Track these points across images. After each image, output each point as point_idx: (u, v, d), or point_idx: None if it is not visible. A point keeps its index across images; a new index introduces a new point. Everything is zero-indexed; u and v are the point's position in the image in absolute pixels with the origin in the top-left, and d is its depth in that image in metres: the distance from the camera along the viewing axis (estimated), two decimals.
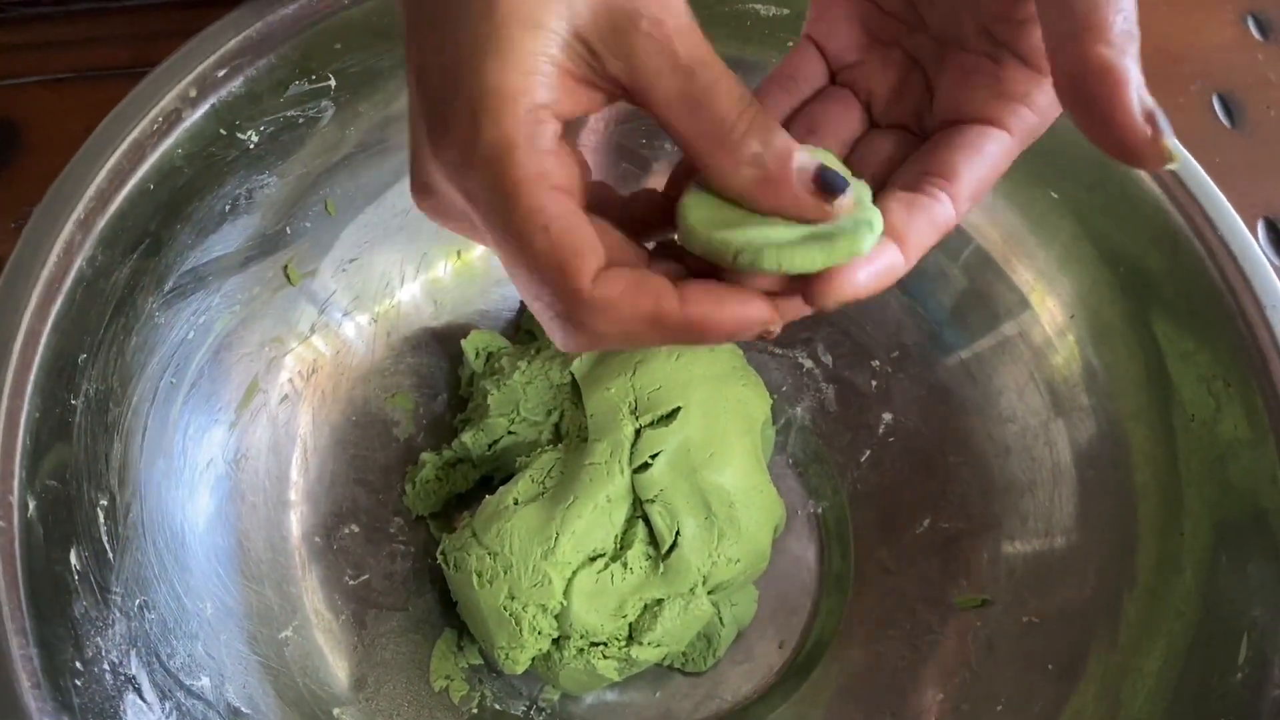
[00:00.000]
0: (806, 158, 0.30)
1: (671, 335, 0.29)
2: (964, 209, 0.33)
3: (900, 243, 0.32)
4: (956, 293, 0.52)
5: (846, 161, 0.38)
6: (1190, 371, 0.45)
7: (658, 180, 0.54)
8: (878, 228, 0.32)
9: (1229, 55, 0.65)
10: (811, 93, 0.37)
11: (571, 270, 0.27)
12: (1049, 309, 0.49)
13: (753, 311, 0.30)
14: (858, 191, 0.34)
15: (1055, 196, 0.48)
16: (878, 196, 0.34)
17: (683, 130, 0.29)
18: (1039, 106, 0.32)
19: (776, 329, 0.30)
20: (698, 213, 0.35)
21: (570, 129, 0.30)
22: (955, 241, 0.49)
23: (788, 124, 0.37)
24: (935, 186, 0.33)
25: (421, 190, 0.31)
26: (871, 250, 0.31)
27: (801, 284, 0.31)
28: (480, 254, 0.54)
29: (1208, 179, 0.45)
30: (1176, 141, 0.28)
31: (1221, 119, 0.64)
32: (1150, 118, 0.28)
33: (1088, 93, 0.29)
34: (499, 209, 0.28)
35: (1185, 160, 0.45)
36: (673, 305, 0.28)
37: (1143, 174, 0.45)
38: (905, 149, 0.36)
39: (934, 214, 0.32)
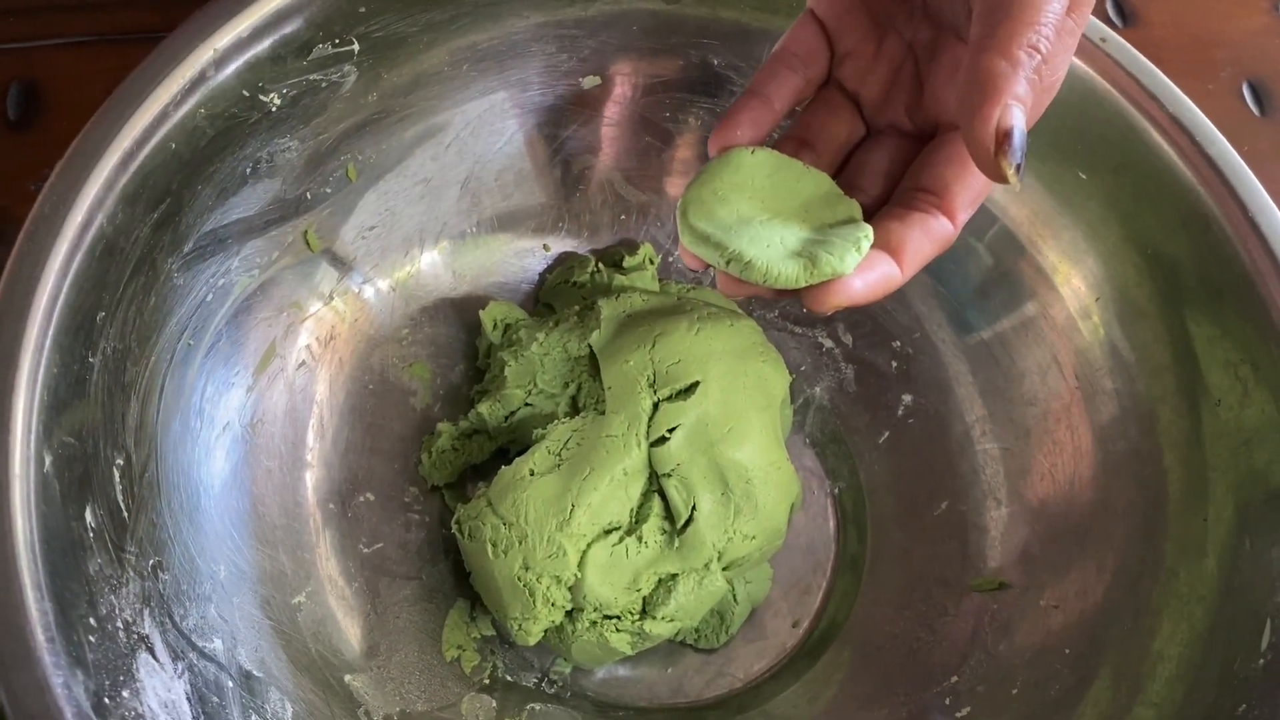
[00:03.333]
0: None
1: None
2: (961, 219, 0.36)
3: (896, 256, 0.34)
4: (980, 272, 0.51)
5: (844, 173, 0.39)
6: (1217, 355, 0.44)
7: (681, 153, 0.54)
8: (864, 248, 0.34)
9: (1260, 42, 0.65)
10: (815, 75, 0.39)
11: None
12: (1074, 290, 0.49)
13: None
14: (849, 210, 0.36)
15: (1083, 177, 0.47)
16: (878, 213, 0.36)
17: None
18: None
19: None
20: (697, 208, 0.36)
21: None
22: (981, 219, 0.48)
23: (785, 138, 0.39)
24: (929, 203, 0.35)
25: None
26: (867, 261, 0.34)
27: (800, 289, 0.33)
28: (496, 228, 0.54)
29: (1240, 161, 0.44)
30: (1015, 172, 0.30)
31: (1251, 106, 0.63)
32: (1004, 137, 0.30)
33: (967, 93, 0.31)
34: None
35: (1214, 145, 0.45)
36: None
37: (1174, 155, 0.45)
38: (900, 155, 0.38)
39: (930, 228, 0.35)
